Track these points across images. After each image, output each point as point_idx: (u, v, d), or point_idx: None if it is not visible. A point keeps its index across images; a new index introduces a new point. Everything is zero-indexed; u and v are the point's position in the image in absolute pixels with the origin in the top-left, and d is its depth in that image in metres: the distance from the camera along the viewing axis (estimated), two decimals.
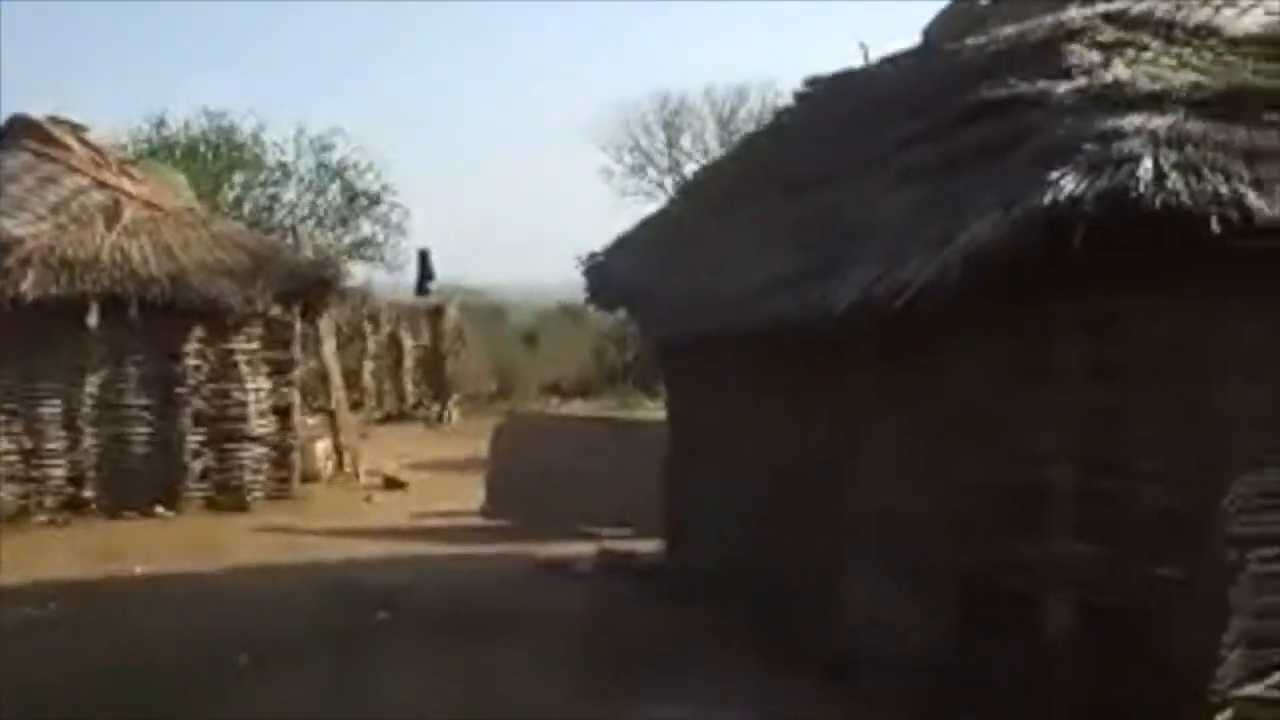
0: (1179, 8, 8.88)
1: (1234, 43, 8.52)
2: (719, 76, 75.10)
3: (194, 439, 17.44)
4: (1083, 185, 6.70)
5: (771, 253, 9.61)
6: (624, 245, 12.66)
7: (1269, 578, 7.29)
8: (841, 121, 10.85)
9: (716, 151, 39.27)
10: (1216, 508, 7.06)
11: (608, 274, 12.42)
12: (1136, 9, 8.84)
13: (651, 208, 37.44)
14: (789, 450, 10.12)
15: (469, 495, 16.73)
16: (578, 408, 28.27)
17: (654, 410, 24.87)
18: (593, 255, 12.72)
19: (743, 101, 40.17)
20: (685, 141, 41.54)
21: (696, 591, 10.73)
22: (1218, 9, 8.90)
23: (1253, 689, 7.19)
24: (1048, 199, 6.73)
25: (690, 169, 39.59)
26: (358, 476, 20.39)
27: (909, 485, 8.73)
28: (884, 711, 8.31)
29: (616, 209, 40.48)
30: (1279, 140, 7.20)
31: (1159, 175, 6.61)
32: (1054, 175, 6.83)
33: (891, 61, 11.39)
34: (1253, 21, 8.83)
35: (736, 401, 10.96)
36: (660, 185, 40.67)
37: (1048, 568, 7.66)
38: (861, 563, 9.17)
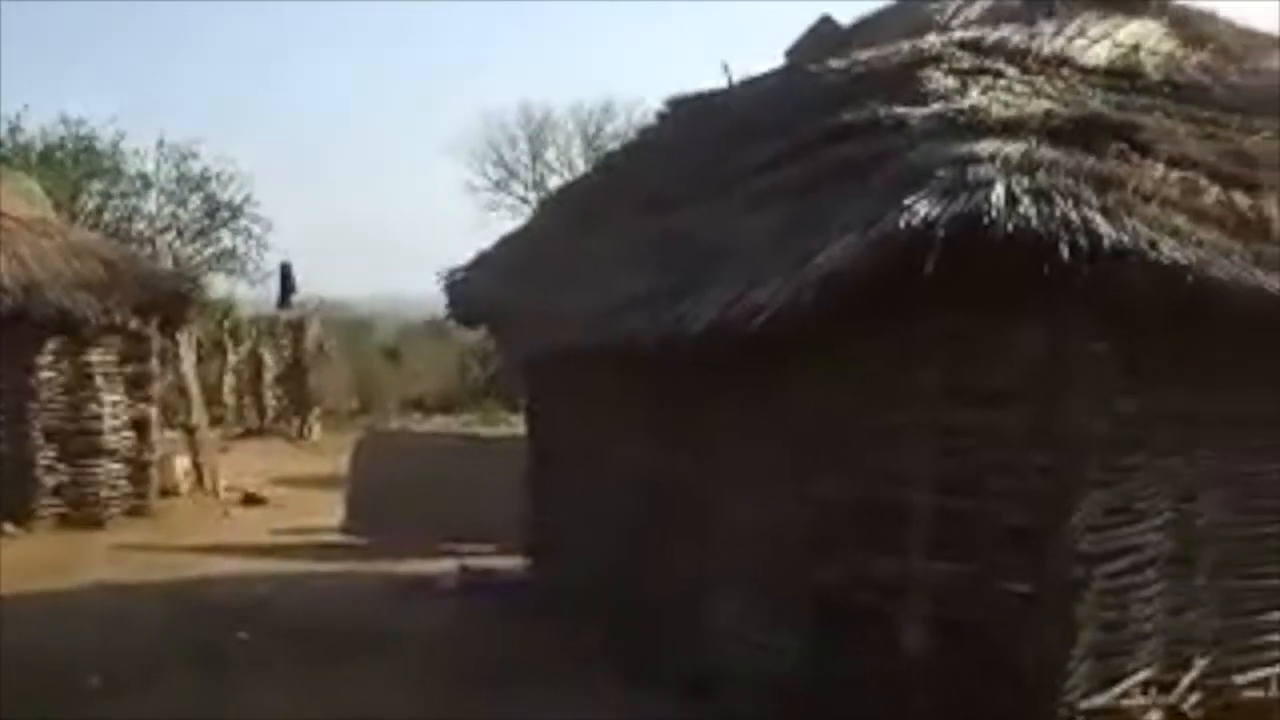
0: (1033, 37, 9.13)
1: (1085, 72, 8.79)
2: (585, 92, 75.33)
3: (47, 454, 16.96)
4: (937, 209, 6.83)
5: (631, 271, 9.61)
6: (485, 261, 12.62)
7: (1114, 593, 7.52)
8: (703, 141, 10.92)
9: (581, 167, 39.35)
10: (1064, 525, 7.24)
11: (469, 290, 12.37)
12: (992, 37, 9.07)
13: (516, 222, 37.46)
14: (651, 467, 10.14)
15: (329, 511, 16.52)
16: (440, 423, 28.09)
17: (516, 426, 24.88)
18: (453, 271, 12.66)
19: (609, 118, 40.28)
20: (550, 156, 41.53)
21: (559, 609, 10.70)
22: (1070, 39, 9.18)
23: (1099, 700, 7.41)
24: (903, 222, 6.84)
25: (555, 184, 39.71)
26: (217, 493, 20.02)
27: (767, 503, 8.79)
28: None
29: (481, 223, 40.34)
30: (1127, 168, 7.43)
31: (1011, 200, 6.76)
32: (909, 199, 6.95)
33: (754, 82, 11.52)
34: (1102, 52, 9.12)
35: (598, 418, 10.97)
36: (524, 200, 40.59)
37: (904, 584, 7.78)
38: (722, 580, 9.23)
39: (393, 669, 9.68)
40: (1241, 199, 7.78)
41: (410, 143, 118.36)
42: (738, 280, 8.01)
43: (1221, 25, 10.49)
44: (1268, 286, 7.16)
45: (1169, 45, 9.69)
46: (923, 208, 6.87)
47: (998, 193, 6.79)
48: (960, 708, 7.40)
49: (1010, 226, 6.63)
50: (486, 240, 13.17)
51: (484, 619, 11.29)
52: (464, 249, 12.88)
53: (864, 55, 9.68)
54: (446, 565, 12.91)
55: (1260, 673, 8.19)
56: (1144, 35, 9.68)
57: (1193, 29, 10.09)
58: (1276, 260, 7.41)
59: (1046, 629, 7.20)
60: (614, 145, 38.73)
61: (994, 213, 6.68)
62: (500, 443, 20.52)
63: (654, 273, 9.23)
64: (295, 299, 32.89)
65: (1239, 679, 8.10)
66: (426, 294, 14.01)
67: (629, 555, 10.26)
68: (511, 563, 12.63)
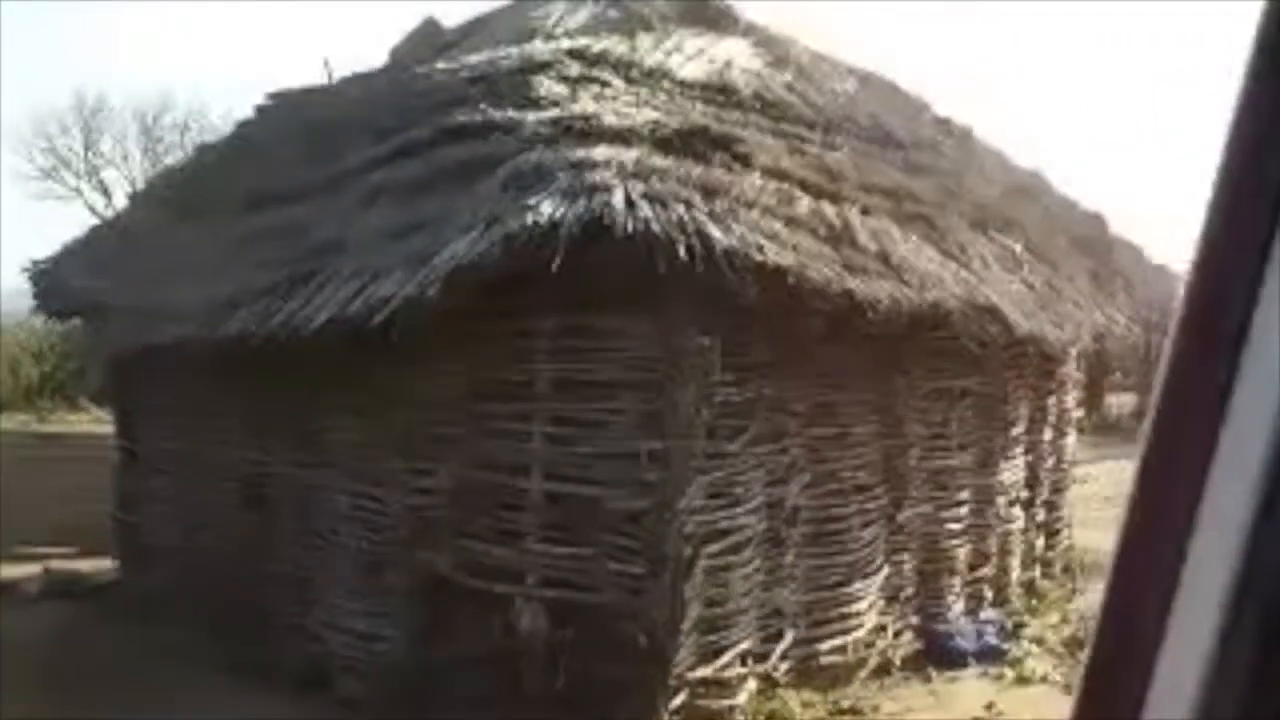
0: (634, 50, 9.63)
1: (684, 85, 9.34)
2: (141, 80, 72.00)
3: None
4: (561, 209, 7.16)
5: (237, 266, 9.51)
6: (75, 252, 12.14)
7: (716, 571, 8.09)
8: (308, 137, 10.88)
9: (137, 156, 37.78)
10: (672, 509, 7.72)
11: (57, 282, 11.87)
12: (597, 47, 9.50)
13: (69, 211, 35.43)
14: (253, 464, 10.08)
15: None
16: None
17: (78, 424, 23.75)
18: (39, 262, 12.11)
19: (167, 108, 38.68)
20: (105, 145, 39.55)
21: (158, 611, 10.40)
22: (668, 54, 9.73)
23: (704, 671, 7.95)
24: (528, 221, 7.13)
25: (109, 174, 37.99)
26: None
27: (377, 496, 8.94)
28: (358, 716, 8.46)
29: (23, 213, 37.94)
30: (730, 177, 8.00)
31: (629, 204, 7.18)
32: (533, 199, 7.26)
33: (358, 81, 11.58)
34: (698, 68, 9.71)
35: (197, 415, 10.78)
36: (77, 190, 38.50)
37: (518, 568, 8.09)
38: (329, 573, 9.29)
39: None
40: (829, 208, 8.52)
41: None
42: (354, 276, 8.09)
43: (800, 48, 11.37)
44: (854, 289, 7.88)
45: (757, 64, 10.45)
46: (546, 208, 7.18)
47: (618, 196, 7.19)
48: (577, 685, 7.78)
49: (630, 228, 7.04)
50: (30, 231, 12.59)
51: (76, 624, 10.85)
52: (8, 241, 12.28)
53: (473, 59, 9.95)
54: (29, 570, 12.30)
55: (840, 640, 8.99)
56: (735, 54, 10.40)
57: (777, 50, 10.90)
58: (860, 265, 8.16)
59: (657, 606, 7.65)
60: (173, 135, 37.65)
61: (615, 215, 7.07)
62: (66, 442, 19.66)
63: (262, 268, 9.17)
64: None
65: (822, 646, 8.87)
66: None
67: (230, 554, 10.15)
68: (99, 566, 12.17)
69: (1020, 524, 11.47)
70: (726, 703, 8.08)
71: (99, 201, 36.95)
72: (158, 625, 10.00)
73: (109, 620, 10.77)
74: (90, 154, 39.26)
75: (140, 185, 32.39)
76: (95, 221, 21.80)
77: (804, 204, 8.38)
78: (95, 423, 23.17)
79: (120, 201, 34.30)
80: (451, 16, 12.19)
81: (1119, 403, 28.78)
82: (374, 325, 7.61)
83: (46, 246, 12.65)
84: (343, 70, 12.12)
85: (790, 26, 11.67)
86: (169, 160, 34.86)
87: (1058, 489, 12.53)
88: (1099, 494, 15.74)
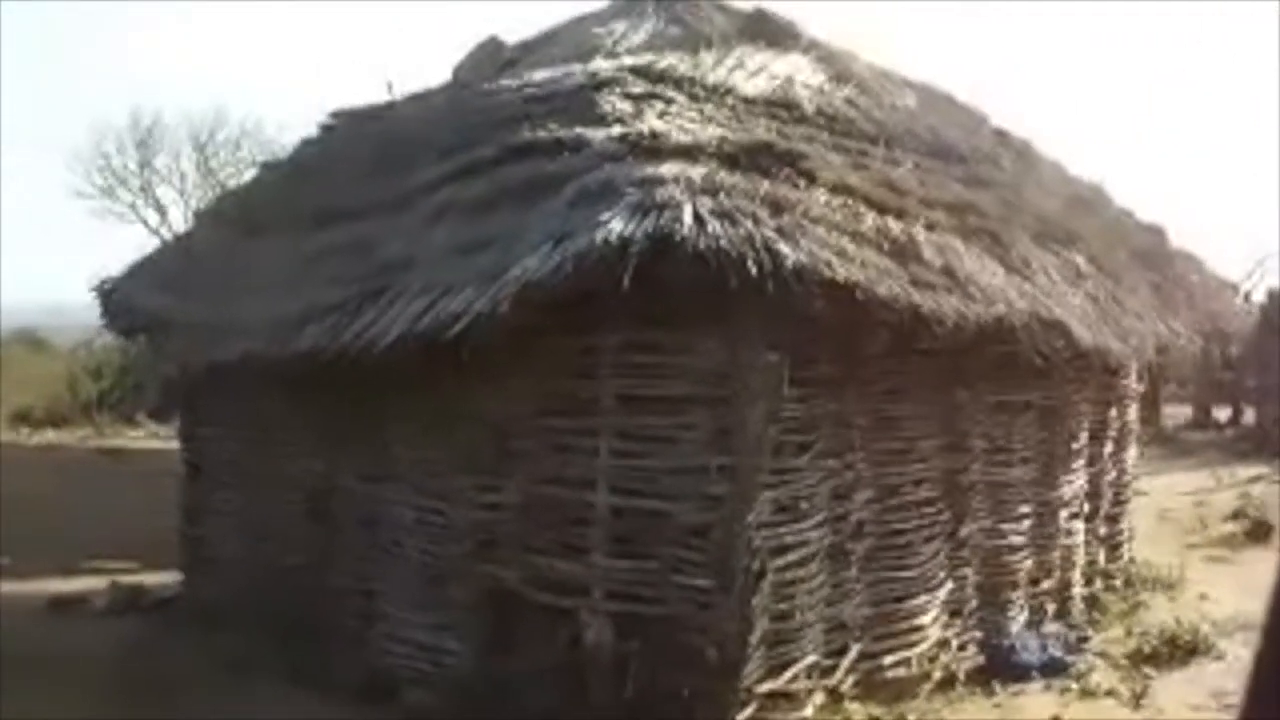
0: (696, 66, 9.68)
1: (747, 101, 9.39)
2: (195, 99, 72.66)
3: None
4: (631, 226, 7.23)
5: (302, 283, 9.62)
6: (142, 270, 12.31)
7: (783, 585, 8.13)
8: (372, 155, 10.99)
9: (191, 173, 38.12)
10: (740, 524, 7.77)
11: (125, 299, 12.03)
12: (660, 64, 9.56)
13: (126, 231, 35.78)
14: (320, 477, 10.17)
15: None
16: (52, 438, 26.74)
17: (138, 440, 24.03)
18: (107, 280, 12.28)
19: (221, 124, 39.03)
20: (160, 162, 39.92)
21: (221, 623, 10.52)
22: (731, 70, 9.79)
23: (772, 685, 7.98)
24: (599, 238, 7.20)
25: (164, 191, 38.33)
26: None
27: (444, 509, 9.01)
28: None
29: (90, 231, 38.44)
30: (796, 193, 8.05)
31: (699, 220, 7.24)
32: (604, 216, 7.33)
33: (420, 98, 11.69)
34: (761, 83, 9.77)
35: (264, 429, 10.89)
36: (133, 207, 38.90)
37: (586, 582, 8.15)
38: (397, 585, 9.37)
39: (54, 691, 9.27)
40: (893, 224, 8.56)
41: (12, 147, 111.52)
42: (424, 292, 8.19)
43: (862, 64, 11.41)
44: (920, 304, 7.92)
45: (818, 80, 10.49)
46: (616, 225, 7.25)
47: (687, 213, 7.25)
48: (644, 699, 7.83)
49: (701, 244, 7.10)
50: (94, 249, 12.77)
51: (143, 636, 10.96)
52: (69, 260, 12.40)
53: (536, 76, 10.03)
54: (96, 583, 12.46)
55: (904, 654, 9.01)
56: (796, 69, 10.45)
57: (838, 65, 10.95)
58: (925, 280, 8.20)
59: (726, 620, 7.70)
60: (226, 152, 37.96)
61: (685, 231, 7.13)
62: (130, 457, 19.93)
63: (331, 284, 9.28)
64: None
65: (886, 660, 8.89)
66: (16, 305, 13.24)
67: (295, 567, 10.25)
68: (164, 579, 12.31)
69: (1082, 537, 11.44)
70: (794, 716, 8.11)
71: (154, 219, 37.33)
72: (223, 636, 10.10)
73: (175, 632, 10.90)
74: (145, 171, 39.67)
75: (195, 202, 32.72)
76: (152, 239, 22.14)
77: (869, 219, 8.41)
78: (152, 438, 23.50)
79: (176, 219, 34.80)
80: (513, 33, 12.28)
81: (1174, 414, 28.58)
82: (444, 341, 7.70)
83: (107, 264, 12.85)
84: (401, 82, 12.21)
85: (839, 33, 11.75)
86: (223, 176, 35.27)
87: (1119, 502, 12.47)
88: (1155, 506, 15.70)
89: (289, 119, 33.50)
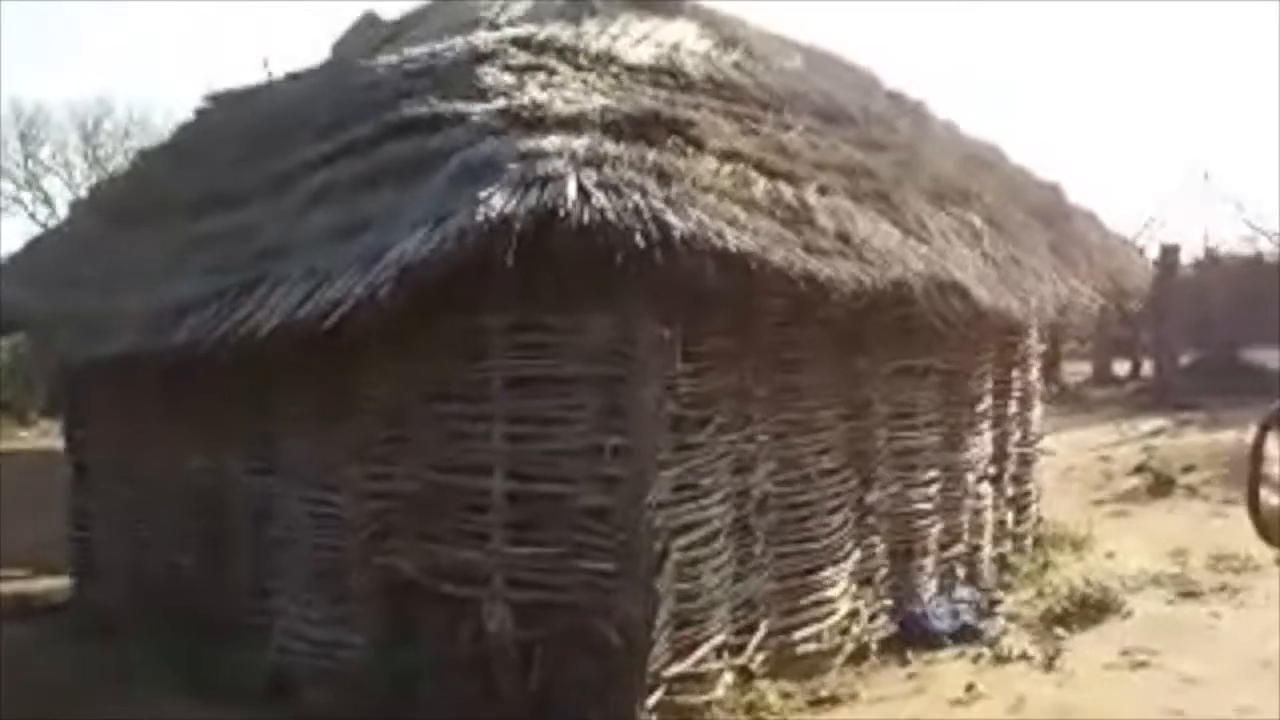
0: (579, 35, 9.43)
1: (631, 70, 9.15)
2: (80, 88, 70.91)
3: None
4: (513, 202, 6.97)
5: (185, 272, 9.24)
6: (17, 265, 11.84)
7: (687, 564, 7.93)
8: (251, 137, 10.64)
9: (79, 165, 37.30)
10: (640, 504, 7.55)
11: (1, 294, 11.55)
12: (542, 34, 9.28)
13: (11, 223, 34.86)
14: (209, 473, 9.83)
15: None
16: None
17: (28, 440, 23.39)
18: None
19: (106, 113, 38.14)
20: (44, 154, 38.94)
21: (114, 628, 10.16)
22: (615, 38, 9.55)
23: (680, 667, 7.79)
24: (480, 215, 6.92)
25: (50, 182, 37.50)
26: None
27: (334, 500, 8.71)
28: None
29: None
30: (684, 162, 7.82)
31: (584, 193, 6.99)
32: (484, 192, 7.06)
33: (299, 77, 11.34)
34: (645, 51, 9.53)
35: (148, 426, 10.51)
36: (17, 199, 37.96)
37: (485, 570, 7.90)
38: (292, 581, 9.06)
39: None
40: (786, 189, 8.36)
41: None
42: (303, 279, 7.87)
43: (748, 28, 11.20)
44: (816, 271, 7.73)
45: (705, 45, 10.26)
46: (498, 201, 6.98)
47: (571, 186, 7.01)
48: (550, 686, 7.63)
49: (586, 218, 6.85)
50: None
51: (28, 645, 10.55)
52: None
53: (415, 51, 9.73)
54: None
55: (814, 628, 8.87)
56: (682, 35, 10.22)
57: (725, 30, 10.73)
58: (820, 246, 8.01)
59: (630, 603, 7.48)
60: (113, 142, 37.17)
61: (569, 205, 6.89)
62: (17, 458, 19.35)
63: (209, 274, 8.93)
64: None
65: (797, 635, 8.74)
66: None
67: (184, 566, 9.93)
68: (49, 584, 11.90)
69: (990, 500, 11.38)
70: (704, 698, 7.93)
71: (42, 211, 36.51)
72: (114, 644, 9.76)
73: (62, 641, 10.50)
74: (30, 163, 38.76)
75: (83, 193, 31.96)
76: (40, 231, 21.47)
77: (760, 186, 8.20)
78: (43, 437, 22.86)
79: (64, 210, 33.97)
80: (391, 9, 11.95)
81: (1075, 371, 28.89)
82: (325, 329, 7.41)
83: None
84: (283, 68, 11.84)
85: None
86: (111, 166, 34.47)
87: (1025, 463, 12.46)
88: (1060, 464, 15.75)
89: (176, 105, 32.83)
